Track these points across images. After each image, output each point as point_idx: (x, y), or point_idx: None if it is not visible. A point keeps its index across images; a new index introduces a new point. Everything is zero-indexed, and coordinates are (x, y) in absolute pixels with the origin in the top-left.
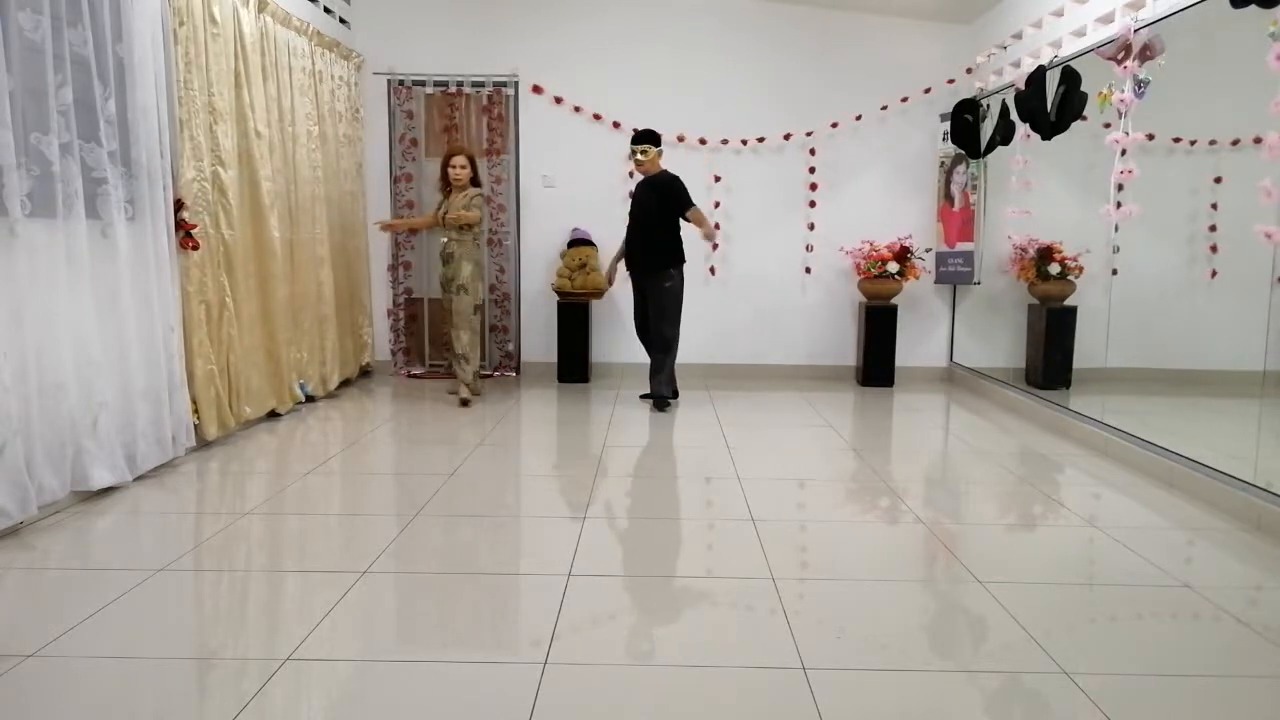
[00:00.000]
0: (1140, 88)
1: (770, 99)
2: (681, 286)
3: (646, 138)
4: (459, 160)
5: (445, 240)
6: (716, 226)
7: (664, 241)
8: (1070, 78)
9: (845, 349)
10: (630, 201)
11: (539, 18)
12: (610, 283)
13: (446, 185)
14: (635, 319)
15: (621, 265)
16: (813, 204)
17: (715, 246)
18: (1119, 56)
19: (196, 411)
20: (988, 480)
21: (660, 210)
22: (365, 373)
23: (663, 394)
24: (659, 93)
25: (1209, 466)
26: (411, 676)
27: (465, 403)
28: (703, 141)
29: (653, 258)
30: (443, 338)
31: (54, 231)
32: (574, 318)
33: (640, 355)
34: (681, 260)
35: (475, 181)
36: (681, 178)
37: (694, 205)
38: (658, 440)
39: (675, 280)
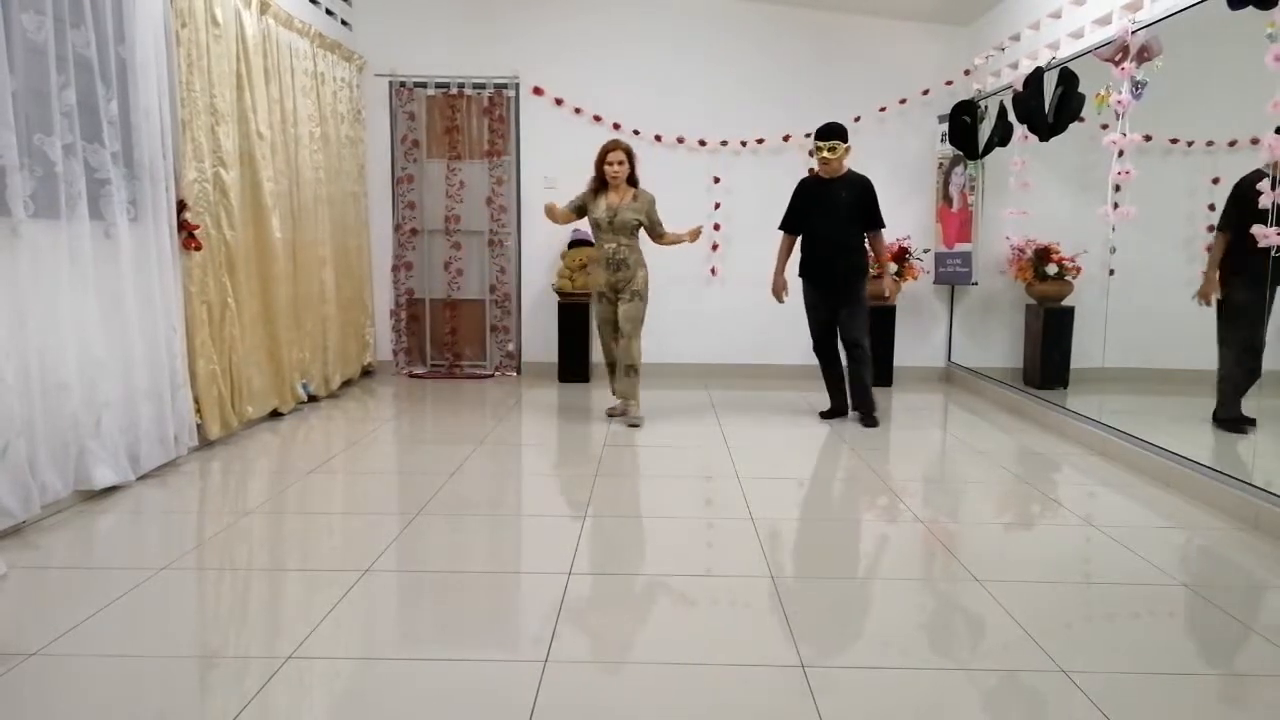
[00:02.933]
0: (1138, 89)
1: (769, 100)
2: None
3: (835, 133)
4: (616, 155)
5: (614, 245)
6: (716, 227)
7: (858, 245)
8: (1068, 79)
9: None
10: (806, 202)
11: (540, 20)
12: (781, 296)
13: (600, 182)
14: (814, 331)
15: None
16: None
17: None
18: (1117, 58)
19: (199, 411)
20: (986, 479)
21: (857, 213)
22: (367, 373)
23: (872, 404)
24: (659, 94)
25: (1206, 466)
26: (412, 675)
27: (637, 424)
28: (702, 143)
29: (845, 265)
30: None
31: (57, 232)
32: (574, 318)
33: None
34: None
35: (633, 179)
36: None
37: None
38: (657, 440)
39: (865, 288)
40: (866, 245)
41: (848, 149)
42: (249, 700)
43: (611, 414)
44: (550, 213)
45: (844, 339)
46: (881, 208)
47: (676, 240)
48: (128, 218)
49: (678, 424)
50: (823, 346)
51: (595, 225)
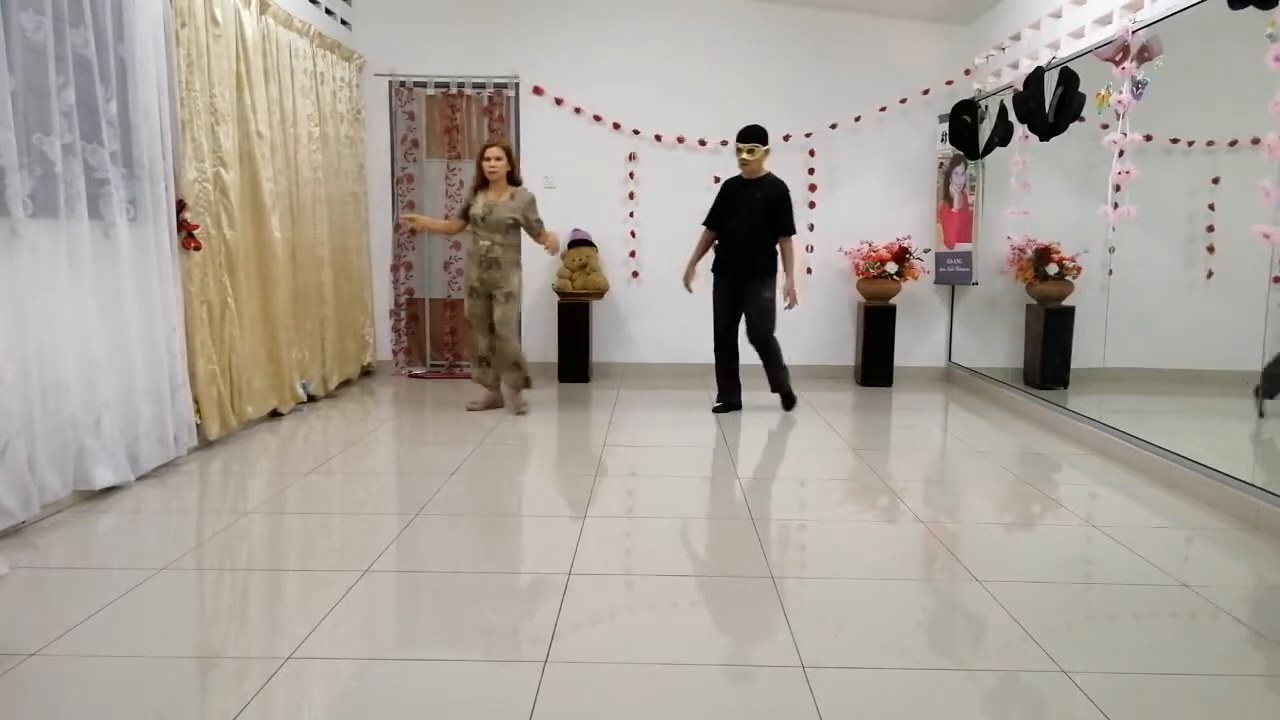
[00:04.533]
0: (1138, 89)
1: (769, 100)
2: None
3: (755, 135)
4: (494, 152)
5: (487, 244)
6: None
7: (768, 248)
8: (1068, 79)
9: (844, 349)
10: (726, 201)
11: (540, 19)
12: (689, 284)
13: (481, 181)
14: (718, 324)
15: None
16: (812, 205)
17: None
18: (1117, 58)
19: (198, 411)
20: (986, 480)
21: (767, 216)
22: (366, 372)
23: (790, 388)
24: (659, 94)
25: (1207, 466)
26: (412, 676)
27: (524, 412)
28: (702, 143)
29: (752, 266)
30: (476, 350)
31: (56, 232)
32: (574, 318)
33: (639, 355)
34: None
35: (514, 178)
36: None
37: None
38: (658, 440)
39: (773, 290)
40: (774, 247)
41: (767, 151)
42: (248, 701)
43: (471, 408)
44: (411, 223)
45: (751, 339)
46: (880, 207)
47: (547, 244)
48: (127, 217)
49: (677, 424)
50: (722, 341)
51: (472, 221)
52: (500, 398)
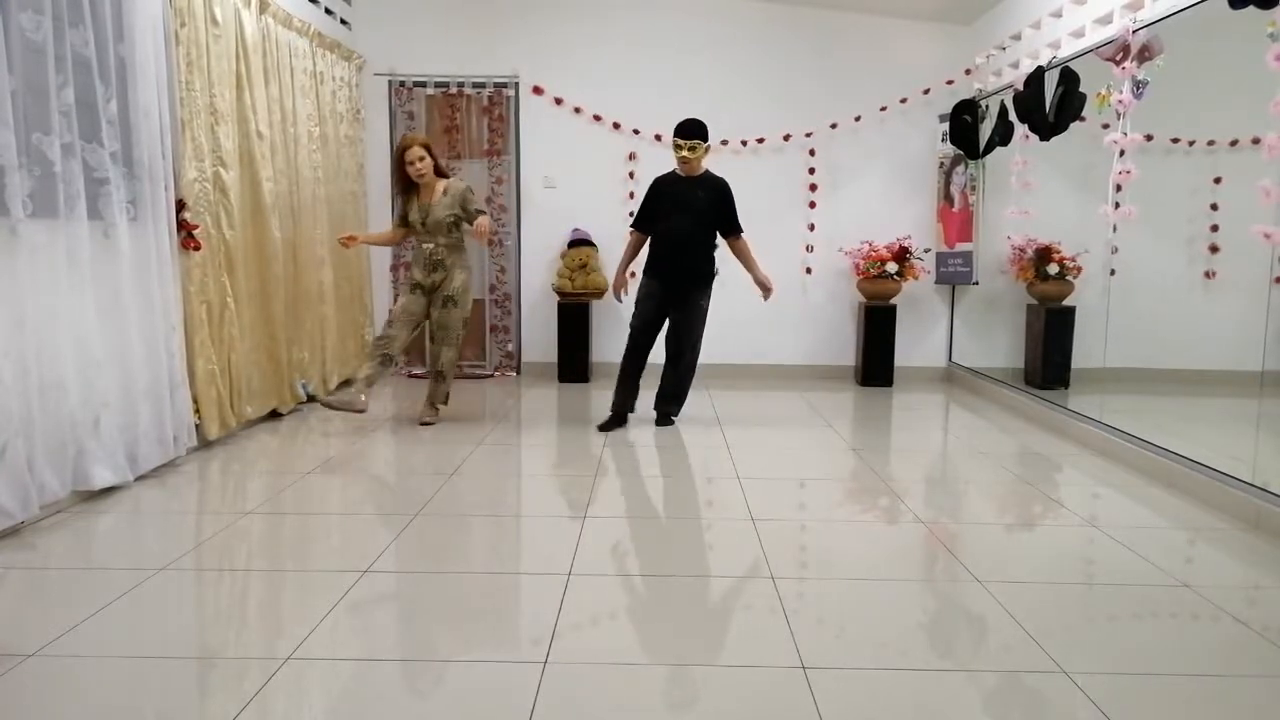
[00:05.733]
0: (1139, 88)
1: (770, 100)
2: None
3: (697, 131)
4: (415, 152)
5: (431, 246)
6: None
7: (707, 251)
8: (1069, 78)
9: (845, 349)
10: (661, 201)
11: (539, 19)
12: (620, 294)
13: (407, 183)
14: (636, 324)
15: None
16: (812, 204)
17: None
18: (1118, 57)
19: (198, 411)
20: (987, 480)
21: (711, 217)
22: None
23: (671, 412)
24: (659, 93)
25: (1208, 466)
26: (412, 676)
27: (428, 423)
28: None
29: (693, 268)
30: (382, 345)
31: (55, 232)
32: (574, 318)
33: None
34: (714, 276)
35: (441, 171)
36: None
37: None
38: (658, 440)
39: (708, 299)
40: (712, 252)
41: (708, 148)
42: (248, 701)
43: (425, 423)
44: (355, 241)
45: (670, 346)
46: (881, 207)
47: (481, 231)
48: (127, 217)
49: (677, 424)
50: (638, 343)
51: (411, 228)
52: (362, 406)
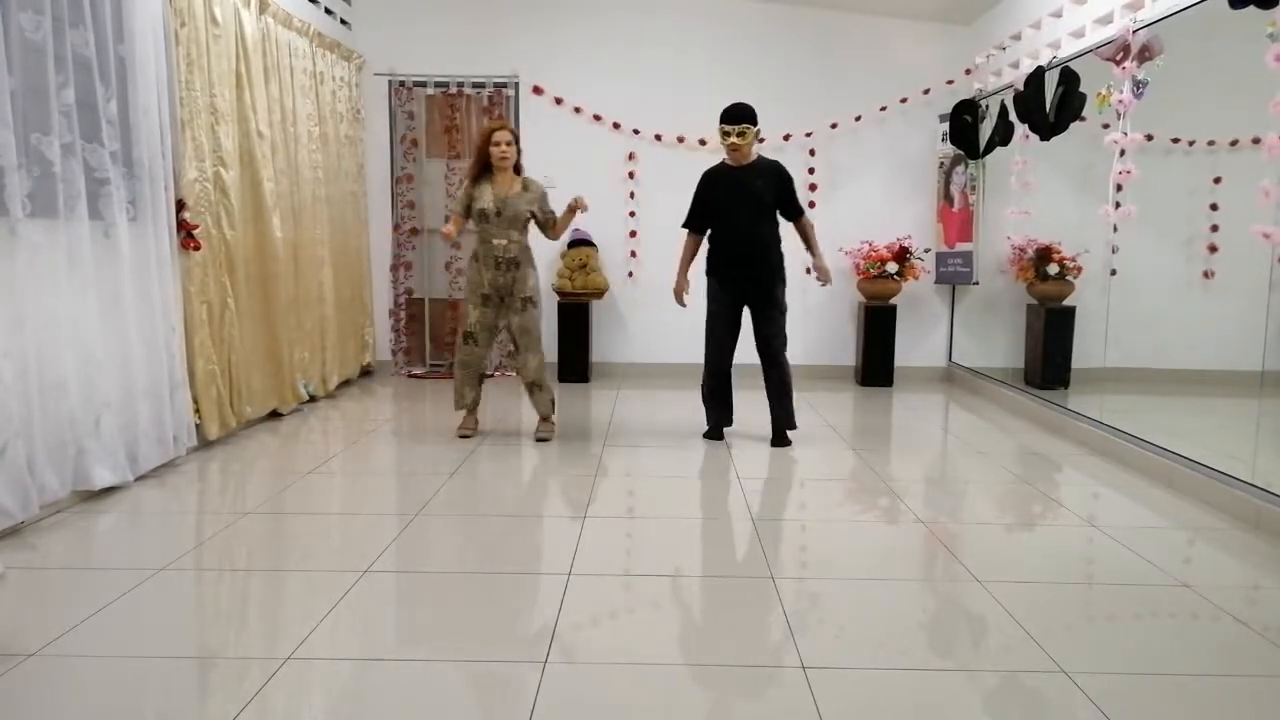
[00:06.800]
0: (1139, 88)
1: (770, 99)
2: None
3: (745, 114)
4: (504, 135)
5: (504, 243)
6: None
7: (777, 240)
8: (1069, 78)
9: (845, 349)
10: (713, 195)
11: (539, 19)
12: (682, 297)
13: (482, 169)
14: (713, 353)
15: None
16: (812, 204)
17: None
18: (1118, 57)
19: (198, 411)
20: (987, 480)
21: (773, 206)
22: (366, 373)
23: (790, 427)
24: (659, 93)
25: (1207, 466)
26: (411, 676)
27: (545, 439)
28: (703, 142)
29: (765, 260)
30: (471, 367)
31: (55, 232)
32: (574, 318)
33: (639, 355)
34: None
35: (519, 167)
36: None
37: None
38: (657, 440)
39: (785, 287)
40: (780, 242)
41: (757, 132)
42: (248, 701)
43: (465, 434)
44: (449, 236)
45: (762, 352)
46: (881, 207)
47: (566, 224)
48: (127, 217)
49: (677, 424)
50: (722, 372)
51: (481, 217)
52: (477, 421)
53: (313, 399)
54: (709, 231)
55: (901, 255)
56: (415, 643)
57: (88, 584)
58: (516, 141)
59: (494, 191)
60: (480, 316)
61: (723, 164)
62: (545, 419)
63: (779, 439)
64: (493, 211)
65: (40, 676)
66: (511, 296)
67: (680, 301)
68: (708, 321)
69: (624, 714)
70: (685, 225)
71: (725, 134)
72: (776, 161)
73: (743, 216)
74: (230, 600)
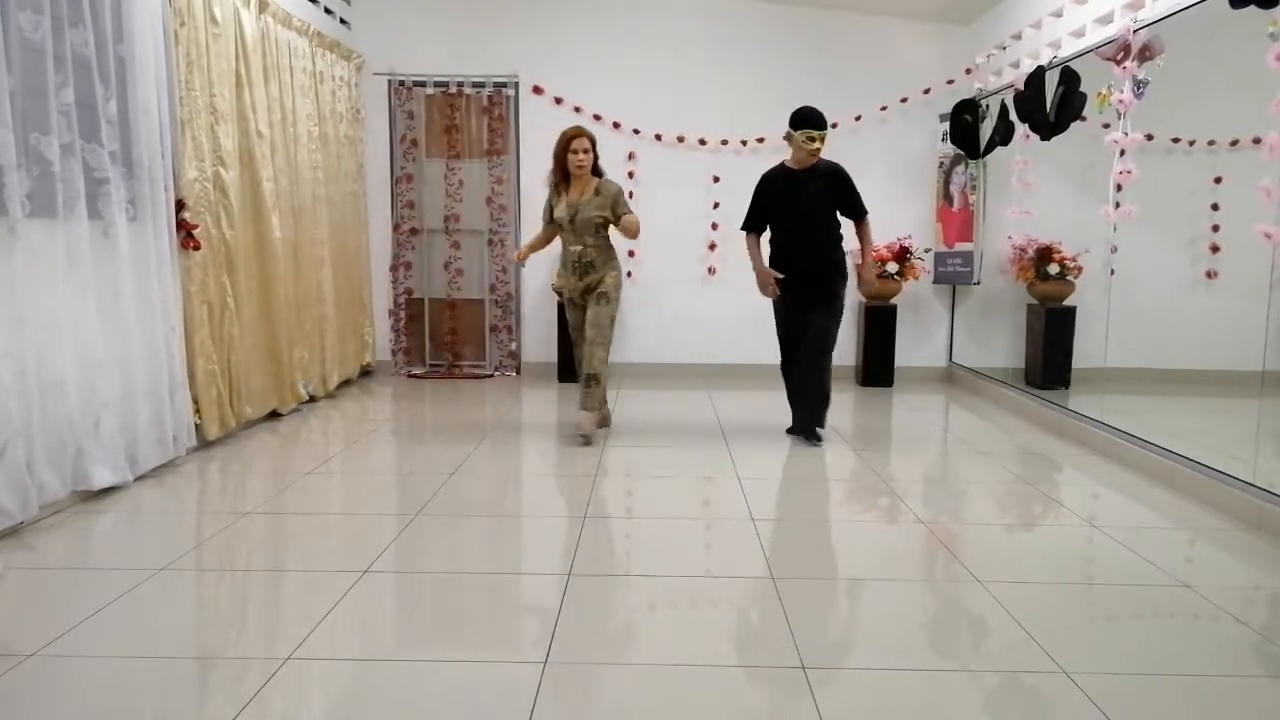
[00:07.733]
0: (1139, 88)
1: (770, 99)
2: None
3: (823, 120)
4: (582, 142)
5: (579, 248)
6: (715, 227)
7: (838, 240)
8: (1069, 78)
9: (845, 349)
10: (774, 198)
11: (539, 18)
12: (771, 287)
13: (562, 175)
14: (783, 334)
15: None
16: None
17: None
18: (1118, 57)
19: (198, 411)
20: (987, 480)
21: (835, 208)
22: (366, 373)
23: (820, 424)
24: (659, 93)
25: (1208, 466)
26: (411, 676)
27: (589, 440)
28: (702, 142)
29: (828, 259)
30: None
31: (55, 232)
32: None
33: (638, 355)
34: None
35: (598, 169)
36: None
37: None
38: (657, 440)
39: (845, 289)
40: (841, 243)
41: (824, 137)
42: (247, 702)
43: (585, 440)
44: (525, 255)
45: (811, 346)
46: (881, 207)
47: (633, 226)
48: (126, 217)
49: (677, 424)
50: (791, 354)
51: (558, 226)
52: (609, 413)
53: (312, 399)
54: (769, 234)
55: (902, 255)
56: (415, 643)
57: (87, 584)
58: (594, 147)
59: (569, 199)
60: (574, 318)
61: (782, 166)
62: (594, 412)
63: (805, 433)
64: (566, 219)
65: (39, 677)
66: (590, 293)
67: (766, 292)
68: (776, 329)
69: (624, 714)
70: (744, 227)
71: (810, 139)
72: (836, 164)
73: (800, 219)
74: (230, 601)
